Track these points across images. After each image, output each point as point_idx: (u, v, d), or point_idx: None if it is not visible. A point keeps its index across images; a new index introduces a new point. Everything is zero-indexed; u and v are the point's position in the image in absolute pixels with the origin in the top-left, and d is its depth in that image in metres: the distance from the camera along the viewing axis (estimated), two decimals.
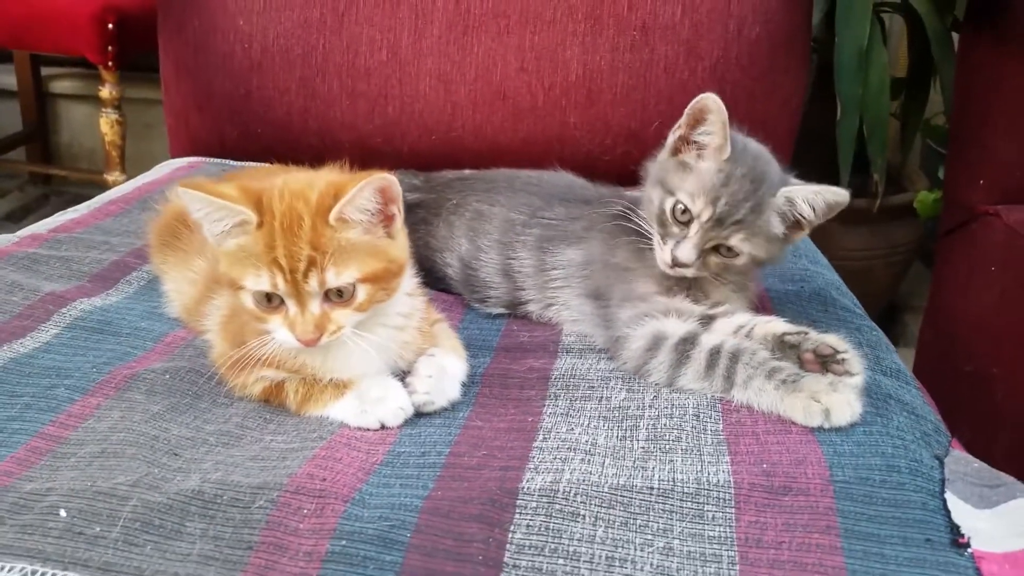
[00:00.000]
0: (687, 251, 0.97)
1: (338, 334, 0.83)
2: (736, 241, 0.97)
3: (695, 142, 1.00)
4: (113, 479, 0.75)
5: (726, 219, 0.96)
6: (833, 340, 0.88)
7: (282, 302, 0.82)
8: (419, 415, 0.88)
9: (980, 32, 1.72)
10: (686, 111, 1.00)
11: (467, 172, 1.41)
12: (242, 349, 0.89)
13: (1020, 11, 1.60)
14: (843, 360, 0.86)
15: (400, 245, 0.89)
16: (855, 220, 2.29)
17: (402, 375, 0.91)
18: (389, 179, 0.83)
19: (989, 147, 1.70)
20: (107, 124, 2.73)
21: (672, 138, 1.04)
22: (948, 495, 0.74)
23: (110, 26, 2.56)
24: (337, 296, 0.83)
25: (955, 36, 2.05)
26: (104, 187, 2.69)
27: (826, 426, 0.83)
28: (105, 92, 2.68)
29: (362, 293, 0.84)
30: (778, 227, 0.99)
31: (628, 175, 1.14)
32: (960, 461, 0.80)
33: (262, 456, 0.80)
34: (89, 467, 0.77)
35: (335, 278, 0.82)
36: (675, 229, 0.99)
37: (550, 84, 1.62)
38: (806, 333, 0.91)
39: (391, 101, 1.65)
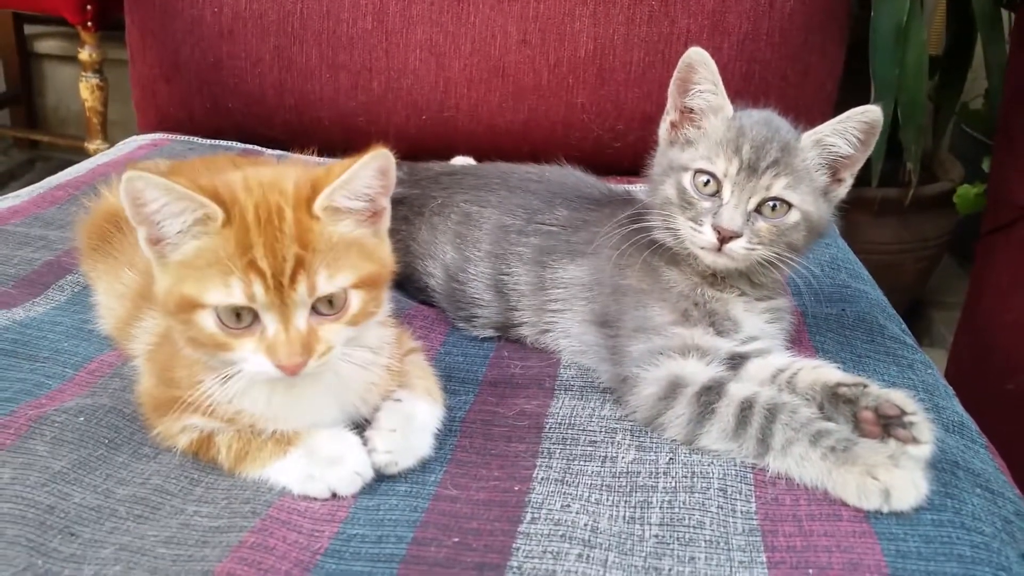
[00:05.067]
0: (730, 215, 0.82)
1: (327, 356, 0.67)
2: (780, 188, 0.82)
3: (690, 113, 0.89)
4: None
5: (758, 164, 0.82)
6: (899, 398, 0.72)
7: (254, 320, 0.66)
8: (380, 479, 0.71)
9: None
10: (671, 82, 0.90)
11: (457, 163, 1.24)
12: (168, 388, 0.74)
13: None
14: (910, 424, 0.70)
15: (387, 248, 0.74)
16: (884, 211, 2.12)
17: (361, 423, 0.75)
18: (391, 155, 0.68)
19: None
20: (87, 89, 2.55)
21: (664, 127, 0.93)
22: None
23: None
24: (327, 307, 0.67)
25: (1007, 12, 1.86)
26: (87, 155, 2.52)
27: (885, 510, 0.67)
28: (85, 54, 2.50)
29: (356, 302, 0.68)
30: (820, 177, 0.86)
31: (643, 166, 0.97)
32: None
33: (178, 539, 0.64)
34: None
35: (327, 283, 0.66)
36: (706, 204, 0.84)
37: (556, 60, 1.44)
38: (865, 385, 0.75)
39: (376, 75, 1.47)
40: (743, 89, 1.37)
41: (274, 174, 0.69)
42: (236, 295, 0.64)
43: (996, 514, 0.69)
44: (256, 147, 1.53)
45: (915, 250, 2.20)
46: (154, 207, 0.65)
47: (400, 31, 1.45)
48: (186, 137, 1.58)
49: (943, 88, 2.20)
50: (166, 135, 1.59)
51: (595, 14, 1.41)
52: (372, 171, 0.67)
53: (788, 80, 1.41)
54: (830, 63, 1.47)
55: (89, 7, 2.44)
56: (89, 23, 2.46)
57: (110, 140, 2.55)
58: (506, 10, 1.43)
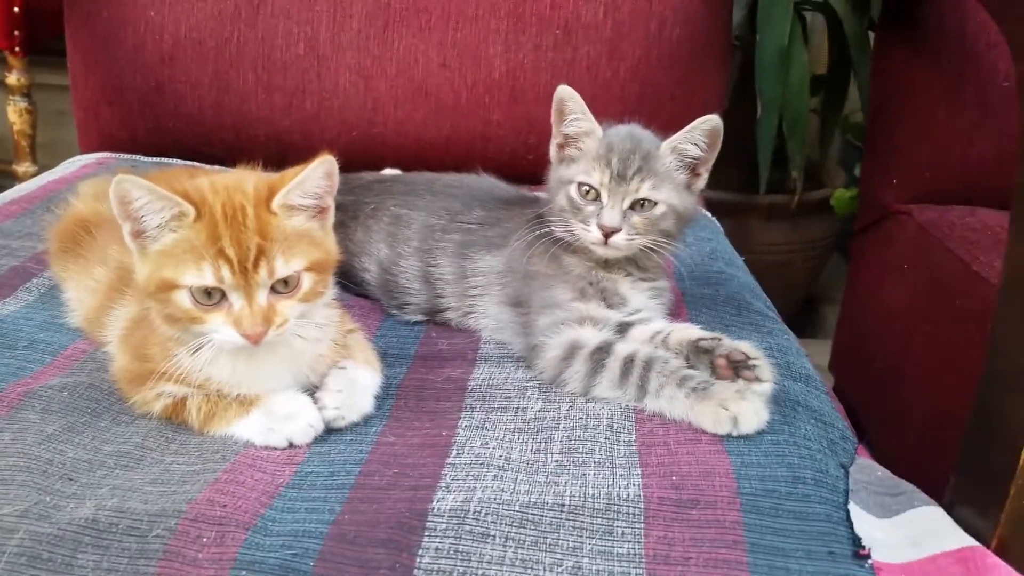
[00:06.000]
0: (609, 215, 0.99)
1: (283, 328, 0.81)
2: (647, 190, 1.00)
3: (570, 137, 1.06)
4: None
5: (626, 172, 1.00)
6: (745, 347, 0.90)
7: (222, 298, 0.80)
8: (330, 432, 0.85)
9: (894, 36, 1.76)
10: (552, 114, 1.07)
11: (386, 173, 1.39)
12: (144, 363, 0.86)
13: (930, 20, 1.64)
14: (754, 366, 0.88)
15: (332, 240, 0.88)
16: (775, 215, 2.34)
17: (312, 390, 0.89)
18: (334, 161, 0.83)
19: (902, 148, 1.75)
20: (15, 113, 2.58)
21: (553, 150, 1.09)
22: (852, 505, 0.76)
23: (16, 9, 2.43)
24: (283, 286, 0.81)
25: (872, 36, 2.10)
26: (14, 178, 2.57)
27: (734, 434, 0.84)
28: (13, 79, 2.54)
29: (307, 282, 0.83)
30: (679, 175, 1.03)
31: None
32: (865, 469, 0.82)
33: (162, 480, 0.77)
34: None
35: (284, 267, 0.80)
36: (590, 208, 1.01)
37: (473, 81, 1.60)
38: (719, 339, 0.92)
39: (309, 96, 1.61)
40: (637, 108, 1.55)
41: (236, 178, 0.84)
42: (208, 277, 0.78)
43: (824, 437, 0.86)
44: (197, 164, 1.64)
45: (803, 250, 2.42)
46: (137, 205, 0.79)
47: (330, 56, 1.60)
48: (129, 156, 1.69)
49: (827, 103, 2.44)
50: (110, 154, 1.69)
51: (507, 41, 1.58)
52: (320, 174, 0.82)
53: (677, 99, 1.60)
54: (714, 83, 1.66)
55: (17, 32, 2.50)
56: (17, 48, 2.52)
57: (38, 163, 2.60)
58: (427, 37, 1.59)
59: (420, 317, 1.12)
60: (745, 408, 0.83)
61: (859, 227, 1.92)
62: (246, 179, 0.84)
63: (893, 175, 1.78)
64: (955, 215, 1.61)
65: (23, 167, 2.60)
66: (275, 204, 0.81)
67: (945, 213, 1.63)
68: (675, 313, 1.08)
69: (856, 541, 0.72)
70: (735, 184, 2.25)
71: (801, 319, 2.58)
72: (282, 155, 1.17)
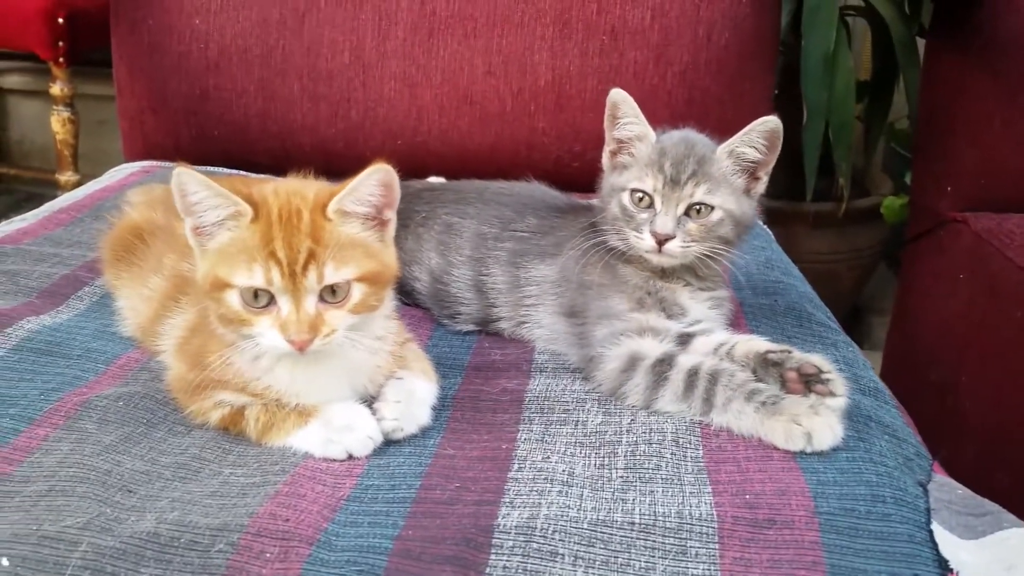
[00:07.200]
0: (662, 221, 0.97)
1: (331, 338, 0.80)
2: (702, 194, 0.97)
3: (622, 142, 1.04)
4: (62, 521, 0.70)
5: (679, 176, 0.97)
6: (817, 359, 0.87)
7: (271, 301, 0.79)
8: (388, 443, 0.84)
9: (945, 42, 1.72)
10: (605, 119, 1.05)
11: (435, 181, 1.37)
12: (202, 371, 0.85)
13: (983, 24, 1.60)
14: (827, 380, 0.85)
15: (392, 253, 0.87)
16: (820, 223, 2.30)
17: (369, 400, 0.87)
18: (391, 170, 0.81)
19: (955, 155, 1.71)
20: (59, 122, 2.63)
21: (605, 157, 1.07)
22: (934, 525, 0.72)
23: (60, 21, 2.47)
24: (331, 295, 0.80)
25: (920, 41, 2.06)
26: (56, 187, 2.61)
27: (808, 450, 0.81)
28: (56, 89, 2.59)
29: (357, 293, 0.81)
30: (737, 180, 1.00)
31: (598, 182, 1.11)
32: (944, 487, 0.79)
33: (221, 492, 0.75)
34: (35, 508, 0.72)
35: (334, 273, 0.79)
36: (643, 215, 0.99)
37: (518, 88, 1.59)
38: (789, 352, 0.89)
39: (354, 104, 1.60)
40: (685, 113, 1.53)
41: (299, 185, 0.84)
42: (257, 278, 0.78)
43: (899, 454, 0.83)
44: (242, 172, 1.64)
45: (850, 259, 2.38)
46: (195, 199, 0.79)
47: (376, 64, 1.59)
48: (173, 164, 1.68)
49: (871, 110, 2.40)
50: (155, 162, 1.70)
51: (552, 48, 1.57)
52: (374, 181, 0.81)
53: (724, 104, 1.57)
54: (761, 87, 1.64)
55: (61, 43, 2.53)
56: (61, 59, 2.55)
57: (79, 172, 2.63)
58: (472, 44, 1.58)
59: (472, 327, 1.10)
60: (819, 424, 0.80)
61: (911, 236, 1.88)
62: (308, 186, 0.83)
63: (946, 183, 1.74)
64: (1014, 223, 1.56)
65: (65, 176, 2.64)
66: (330, 209, 0.80)
67: (1004, 221, 1.58)
68: (734, 324, 1.05)
69: (942, 563, 0.68)
70: (780, 191, 2.22)
71: (847, 329, 2.52)
72: (327, 164, 1.16)
